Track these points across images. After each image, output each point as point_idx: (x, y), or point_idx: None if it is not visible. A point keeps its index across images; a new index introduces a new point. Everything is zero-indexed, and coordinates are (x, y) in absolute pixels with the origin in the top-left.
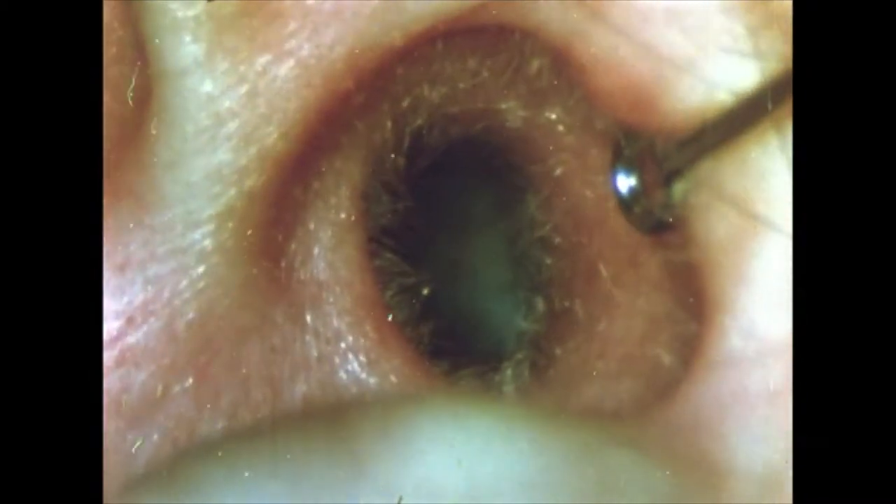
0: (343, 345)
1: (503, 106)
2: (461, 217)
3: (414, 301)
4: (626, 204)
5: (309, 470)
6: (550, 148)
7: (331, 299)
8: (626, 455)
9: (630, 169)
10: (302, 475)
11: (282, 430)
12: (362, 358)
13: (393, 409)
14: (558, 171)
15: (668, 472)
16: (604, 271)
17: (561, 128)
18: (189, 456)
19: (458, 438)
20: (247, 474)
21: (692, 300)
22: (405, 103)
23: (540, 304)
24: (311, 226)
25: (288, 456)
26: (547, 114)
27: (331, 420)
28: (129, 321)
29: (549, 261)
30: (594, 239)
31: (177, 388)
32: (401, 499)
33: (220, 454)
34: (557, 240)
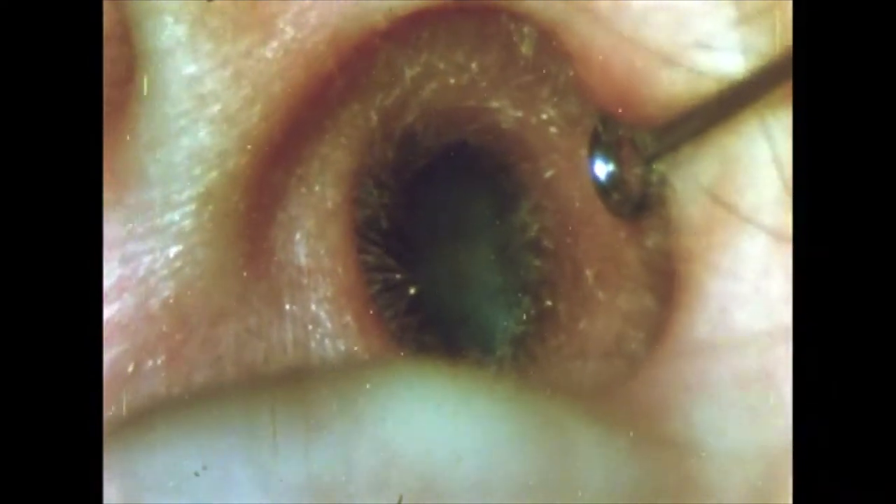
0: (321, 331)
1: (495, 104)
2: (452, 215)
3: (399, 298)
4: (605, 190)
5: (259, 430)
6: (541, 148)
7: (312, 286)
8: (588, 428)
9: (608, 155)
10: (253, 435)
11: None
12: (340, 346)
13: (352, 374)
14: (549, 173)
15: (629, 446)
16: (588, 272)
17: (553, 128)
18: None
19: (417, 406)
20: (201, 432)
21: (664, 284)
22: (393, 93)
23: (526, 305)
24: (294, 211)
25: (240, 415)
26: (538, 113)
27: (289, 382)
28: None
29: (537, 262)
30: (580, 239)
31: (149, 366)
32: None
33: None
34: (546, 241)
